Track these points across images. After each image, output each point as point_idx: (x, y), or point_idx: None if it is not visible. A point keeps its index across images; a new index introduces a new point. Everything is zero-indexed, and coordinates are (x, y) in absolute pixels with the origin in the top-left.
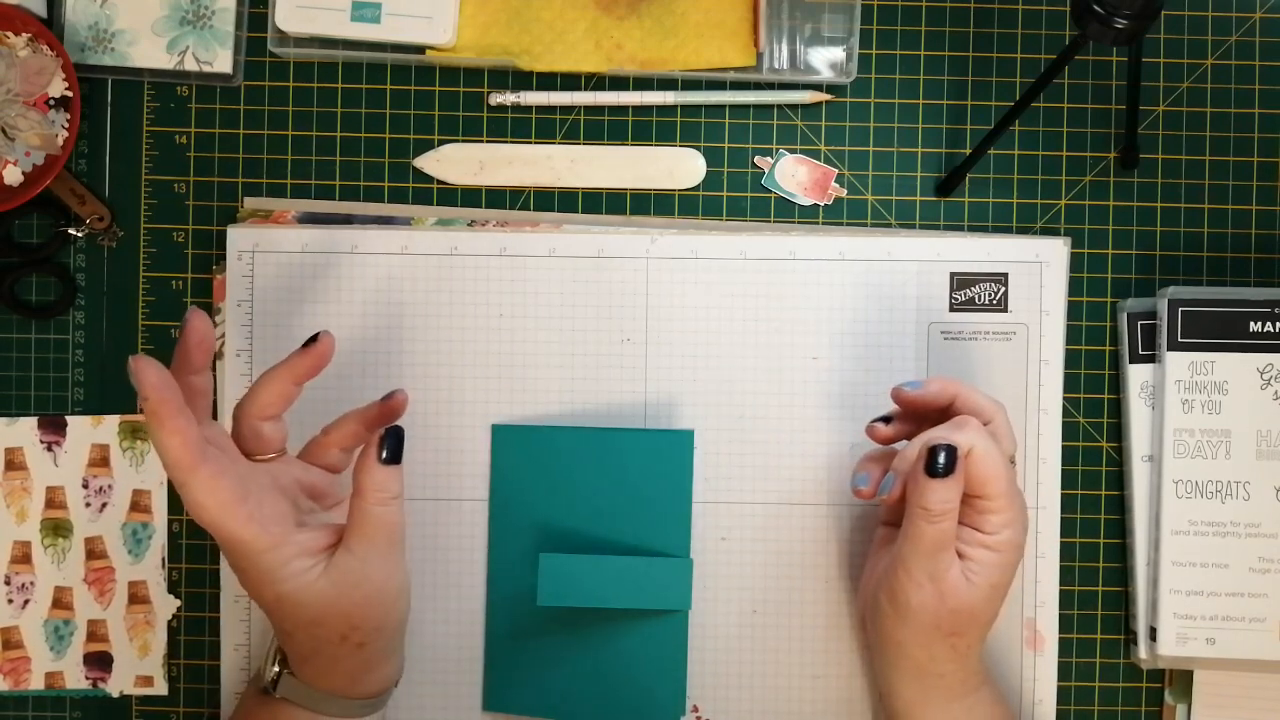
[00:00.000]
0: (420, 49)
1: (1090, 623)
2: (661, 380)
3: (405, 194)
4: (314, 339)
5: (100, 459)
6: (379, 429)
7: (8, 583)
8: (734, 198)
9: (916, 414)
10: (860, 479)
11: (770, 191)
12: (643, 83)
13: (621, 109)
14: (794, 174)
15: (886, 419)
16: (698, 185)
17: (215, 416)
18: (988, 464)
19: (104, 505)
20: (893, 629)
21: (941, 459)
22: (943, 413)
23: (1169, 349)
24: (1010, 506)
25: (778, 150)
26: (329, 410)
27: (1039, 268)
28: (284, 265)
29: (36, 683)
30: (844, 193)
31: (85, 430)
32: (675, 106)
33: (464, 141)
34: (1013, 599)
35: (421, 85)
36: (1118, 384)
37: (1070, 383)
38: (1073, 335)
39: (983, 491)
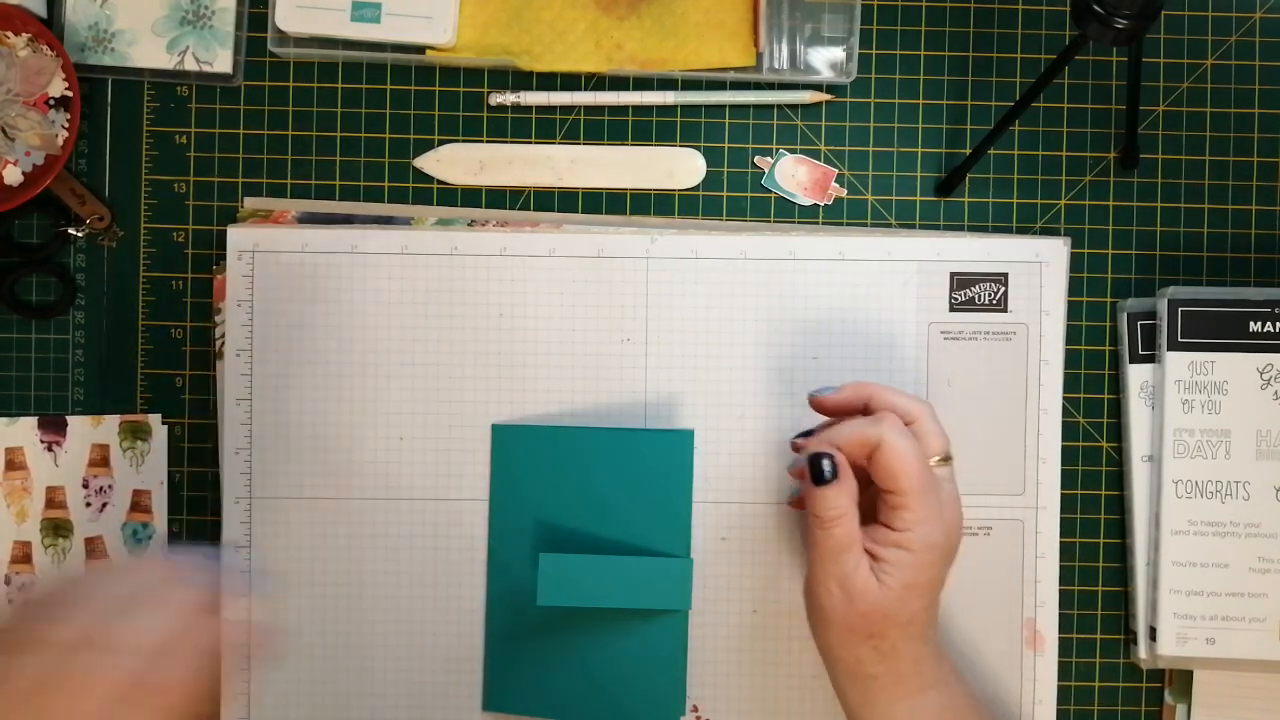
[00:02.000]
0: (420, 49)
1: (1090, 623)
2: (661, 380)
3: (405, 194)
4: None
5: (100, 459)
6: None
7: (8, 583)
8: (734, 198)
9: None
10: (795, 491)
11: (770, 191)
12: (643, 83)
13: (621, 109)
14: (794, 174)
15: (808, 433)
16: (698, 185)
17: (215, 414)
18: (895, 458)
19: (104, 505)
20: (816, 634)
21: (824, 466)
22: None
23: (1169, 349)
24: (921, 504)
25: (778, 150)
26: (329, 408)
27: (1039, 268)
28: (284, 265)
29: None
30: (844, 193)
31: (85, 430)
32: (675, 106)
33: (464, 141)
34: (1012, 599)
35: (421, 85)
36: (1118, 384)
37: (1070, 383)
38: (1073, 335)
39: (893, 486)
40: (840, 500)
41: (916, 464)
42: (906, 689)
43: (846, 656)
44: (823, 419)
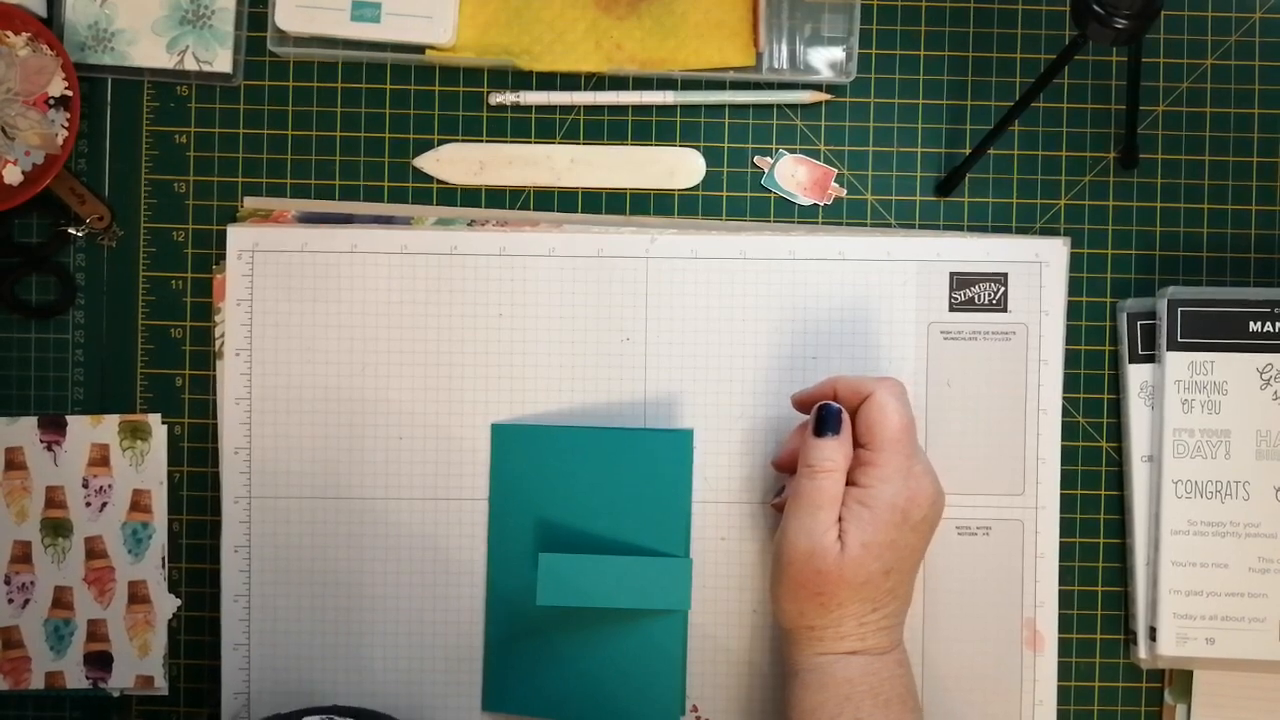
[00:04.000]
0: (420, 49)
1: (1090, 623)
2: (661, 380)
3: (405, 194)
4: None
5: (100, 458)
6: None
7: (8, 582)
8: (734, 198)
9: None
10: (779, 491)
11: (770, 191)
12: (643, 83)
13: (621, 109)
14: (794, 174)
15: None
16: (698, 185)
17: (215, 415)
18: (877, 410)
19: (104, 505)
20: (771, 580)
21: (830, 418)
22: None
23: (1169, 349)
24: (890, 464)
25: (778, 150)
26: (329, 408)
27: (1039, 268)
28: (284, 265)
29: (37, 682)
30: (844, 193)
31: (85, 430)
32: (675, 106)
33: (464, 141)
34: (1012, 599)
35: (421, 85)
36: (1117, 384)
37: (1070, 383)
38: (1073, 335)
39: (869, 441)
40: (835, 455)
41: (897, 424)
42: (839, 646)
43: (791, 610)
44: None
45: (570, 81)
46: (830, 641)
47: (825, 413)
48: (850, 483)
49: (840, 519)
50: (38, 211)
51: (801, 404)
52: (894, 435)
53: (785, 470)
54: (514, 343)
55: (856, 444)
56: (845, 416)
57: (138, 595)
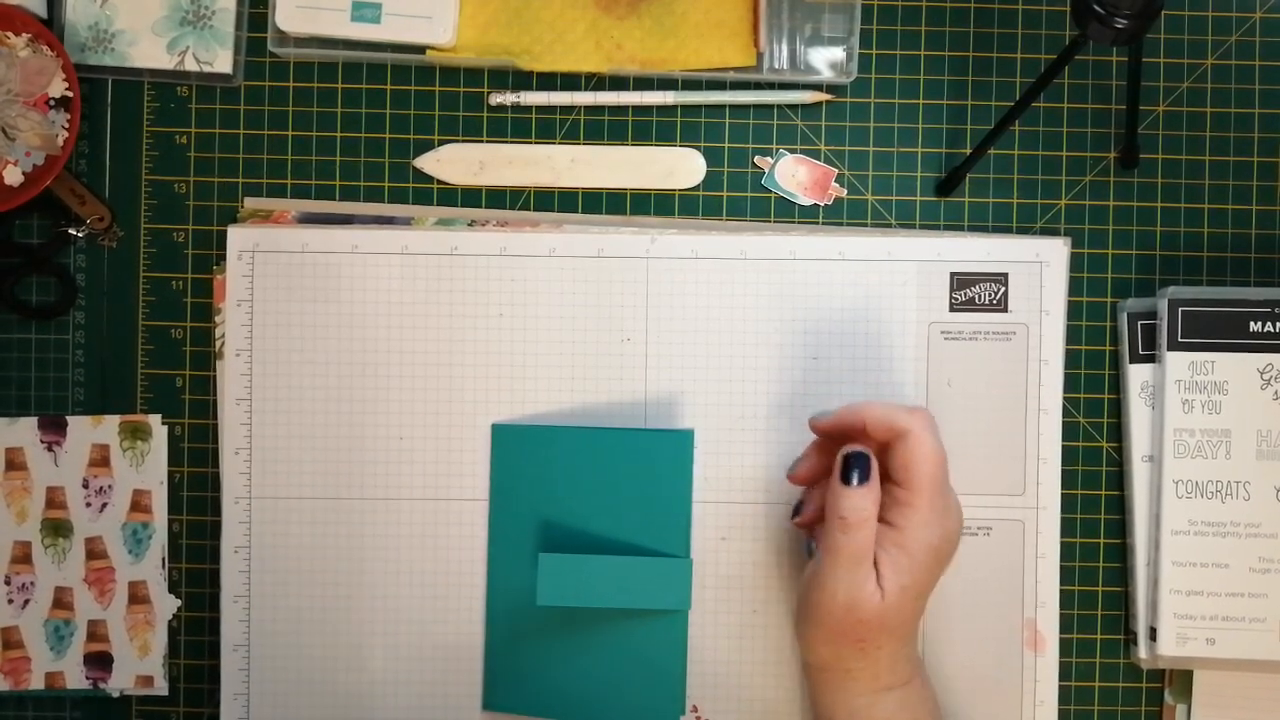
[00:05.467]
0: (420, 49)
1: (1090, 623)
2: (661, 380)
3: (405, 194)
4: None
5: (100, 459)
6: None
7: (8, 583)
8: (734, 198)
9: (837, 444)
10: (798, 506)
11: (770, 191)
12: (643, 83)
13: (621, 109)
14: (794, 174)
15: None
16: (698, 185)
17: (215, 415)
18: (917, 451)
19: (104, 505)
20: (802, 625)
21: (859, 467)
22: (864, 436)
23: (1169, 349)
24: (930, 506)
25: (778, 150)
26: (329, 408)
27: (1039, 268)
28: (284, 265)
29: (36, 683)
30: (844, 193)
31: (85, 430)
32: (675, 106)
33: (464, 141)
34: (1013, 599)
35: (421, 85)
36: (1118, 384)
37: (1070, 383)
38: (1073, 335)
39: (906, 481)
40: (867, 504)
41: (936, 464)
42: (875, 685)
43: (827, 653)
44: (845, 401)
45: (570, 81)
46: (866, 681)
47: (854, 461)
48: (882, 519)
49: (875, 561)
50: (38, 212)
51: (821, 430)
52: (932, 474)
53: (803, 485)
54: (514, 343)
55: (888, 479)
56: (874, 462)
57: (138, 595)
